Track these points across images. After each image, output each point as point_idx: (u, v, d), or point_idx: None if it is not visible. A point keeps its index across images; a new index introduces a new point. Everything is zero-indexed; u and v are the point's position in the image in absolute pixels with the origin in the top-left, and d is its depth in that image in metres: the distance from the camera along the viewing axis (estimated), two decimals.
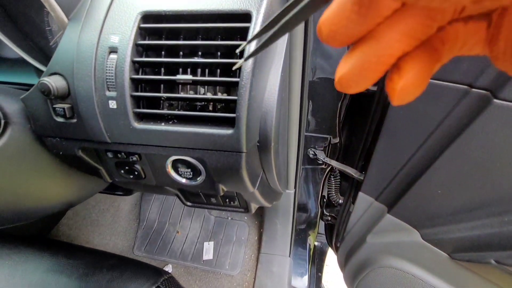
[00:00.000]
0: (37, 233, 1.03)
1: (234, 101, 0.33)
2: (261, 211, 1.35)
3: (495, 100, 0.41)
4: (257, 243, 1.25)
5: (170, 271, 1.20)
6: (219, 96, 0.33)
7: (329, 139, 0.85)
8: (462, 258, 0.56)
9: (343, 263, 0.95)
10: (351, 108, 0.84)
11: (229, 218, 1.35)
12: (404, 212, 0.64)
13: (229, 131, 0.33)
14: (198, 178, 0.44)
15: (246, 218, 1.34)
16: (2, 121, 0.37)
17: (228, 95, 0.36)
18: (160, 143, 0.36)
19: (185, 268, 1.20)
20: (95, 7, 0.35)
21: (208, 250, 1.25)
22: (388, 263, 0.72)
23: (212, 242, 1.28)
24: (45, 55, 0.48)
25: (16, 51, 0.41)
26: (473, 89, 0.43)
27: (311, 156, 0.88)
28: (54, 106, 0.36)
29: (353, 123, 0.87)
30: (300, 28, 0.41)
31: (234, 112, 0.33)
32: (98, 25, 0.34)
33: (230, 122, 0.34)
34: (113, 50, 0.34)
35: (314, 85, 0.76)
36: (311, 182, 1.04)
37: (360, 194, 0.73)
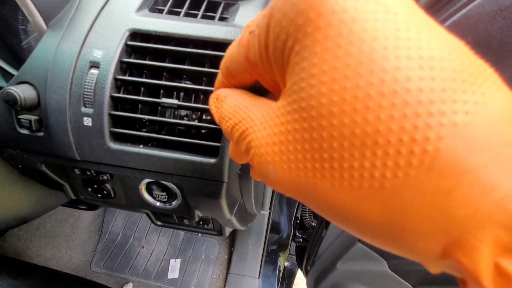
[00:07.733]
0: None
1: (219, 130, 0.32)
2: (233, 229, 1.32)
3: None
4: (227, 263, 1.21)
5: None
6: (204, 124, 0.32)
7: None
8: None
9: (313, 287, 0.94)
10: None
11: (199, 235, 1.30)
12: None
13: (211, 160, 0.32)
14: (173, 202, 0.41)
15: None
16: None
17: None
18: (136, 165, 0.34)
19: (147, 287, 1.13)
20: (80, 18, 0.33)
21: (174, 268, 1.19)
22: None
23: (179, 259, 1.22)
24: (14, 55, 0.44)
25: None
26: None
27: None
28: (19, 117, 0.33)
29: None
30: None
31: (218, 139, 0.32)
32: (80, 37, 0.32)
33: (213, 151, 0.33)
34: (94, 65, 0.32)
35: None
36: (286, 204, 1.04)
37: None
